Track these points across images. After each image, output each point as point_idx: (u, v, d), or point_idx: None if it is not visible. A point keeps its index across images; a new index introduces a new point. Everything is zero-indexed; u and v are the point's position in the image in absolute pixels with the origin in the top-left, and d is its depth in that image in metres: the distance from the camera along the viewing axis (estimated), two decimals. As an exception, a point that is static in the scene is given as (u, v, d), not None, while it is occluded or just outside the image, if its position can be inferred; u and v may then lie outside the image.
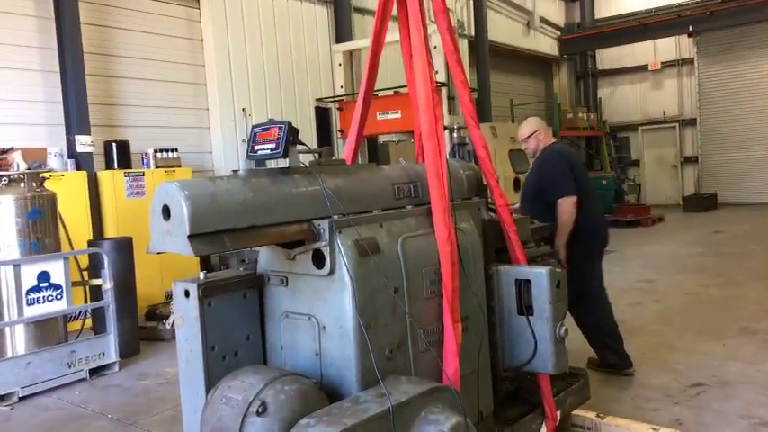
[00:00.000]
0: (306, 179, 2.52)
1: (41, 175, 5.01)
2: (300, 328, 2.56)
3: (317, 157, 2.72)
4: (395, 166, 3.09)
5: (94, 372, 5.07)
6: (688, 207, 15.91)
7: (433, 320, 2.73)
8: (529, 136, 4.56)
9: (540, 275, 3.00)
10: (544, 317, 2.99)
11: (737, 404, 3.88)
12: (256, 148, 2.49)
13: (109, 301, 5.12)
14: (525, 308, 3.04)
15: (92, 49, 7.60)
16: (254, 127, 2.54)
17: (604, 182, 15.83)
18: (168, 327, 5.95)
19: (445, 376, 2.60)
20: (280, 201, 2.39)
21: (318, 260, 2.46)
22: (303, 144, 2.53)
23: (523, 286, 3.05)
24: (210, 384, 2.45)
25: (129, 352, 5.45)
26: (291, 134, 2.43)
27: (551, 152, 4.51)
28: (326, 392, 2.38)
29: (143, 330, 6.04)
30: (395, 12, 3.27)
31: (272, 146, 2.44)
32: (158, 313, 6.43)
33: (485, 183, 3.36)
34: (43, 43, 7.31)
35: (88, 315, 5.71)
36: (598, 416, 3.45)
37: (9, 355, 4.85)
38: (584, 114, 17.43)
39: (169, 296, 7.46)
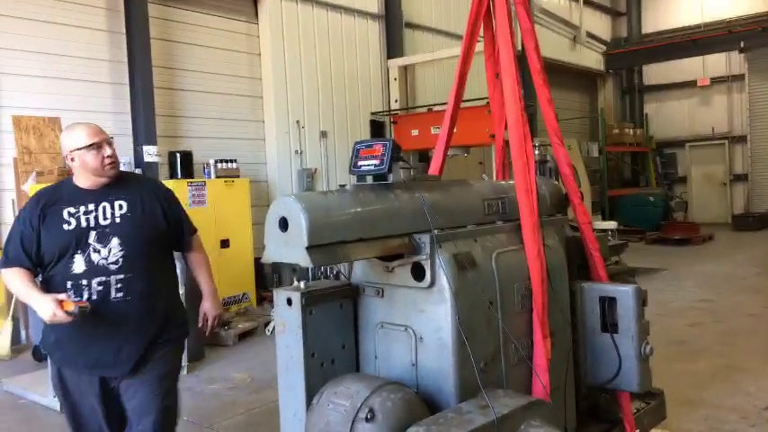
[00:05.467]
0: (406, 194, 2.60)
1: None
2: (396, 339, 2.63)
3: (412, 173, 2.80)
4: (483, 183, 3.16)
5: (164, 375, 5.23)
6: (738, 226, 15.55)
7: (522, 335, 2.78)
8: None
9: (626, 293, 3.02)
10: (629, 335, 3.00)
11: (817, 429, 3.81)
12: (359, 163, 2.58)
13: (180, 306, 5.28)
14: (609, 325, 3.06)
15: (158, 62, 7.88)
16: (356, 143, 2.63)
17: (651, 198, 15.67)
18: (268, 333, 6.14)
19: (540, 390, 2.63)
20: (384, 215, 2.47)
21: (418, 273, 2.53)
22: (404, 160, 2.62)
23: (608, 304, 3.08)
24: (310, 390, 2.54)
25: (195, 357, 5.60)
26: (395, 151, 2.51)
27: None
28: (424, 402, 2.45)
29: (206, 336, 6.19)
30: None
31: (377, 162, 2.52)
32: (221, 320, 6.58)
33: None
34: (114, 57, 7.62)
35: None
36: (677, 436, 3.43)
37: (86, 356, 5.02)
38: (630, 130, 17.27)
39: (226, 303, 7.65)
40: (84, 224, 2.63)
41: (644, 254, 11.75)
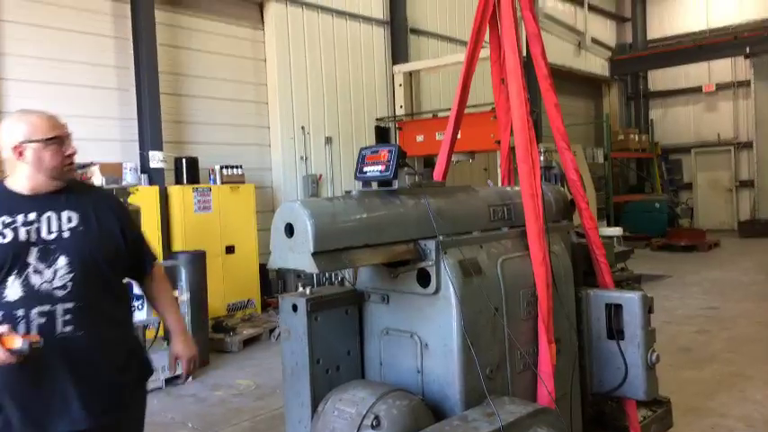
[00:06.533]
0: (411, 200, 2.59)
1: (129, 190, 5.24)
2: (401, 345, 2.62)
3: (417, 179, 2.80)
4: (488, 189, 3.15)
5: (169, 381, 5.22)
6: (744, 232, 15.47)
7: (528, 341, 2.76)
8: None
9: (632, 300, 3.00)
10: (636, 342, 2.99)
11: (826, 438, 3.77)
12: (365, 169, 2.58)
13: (185, 312, 5.29)
14: (615, 332, 3.05)
15: (164, 68, 7.90)
16: (362, 149, 2.63)
17: (657, 204, 15.61)
18: (273, 340, 6.18)
19: (546, 397, 2.62)
20: (389, 221, 2.47)
21: (423, 279, 2.52)
22: (410, 166, 2.62)
23: (614, 311, 3.06)
24: (315, 396, 2.53)
25: (200, 363, 5.59)
26: (400, 157, 2.51)
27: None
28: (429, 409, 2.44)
29: (211, 342, 6.19)
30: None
31: (382, 168, 2.52)
32: (225, 326, 6.59)
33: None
34: (120, 62, 7.65)
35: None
36: (684, 444, 3.40)
37: (91, 361, 5.03)
38: (636, 136, 17.22)
39: (231, 309, 7.65)
40: (22, 237, 2.09)
41: (650, 260, 11.70)
